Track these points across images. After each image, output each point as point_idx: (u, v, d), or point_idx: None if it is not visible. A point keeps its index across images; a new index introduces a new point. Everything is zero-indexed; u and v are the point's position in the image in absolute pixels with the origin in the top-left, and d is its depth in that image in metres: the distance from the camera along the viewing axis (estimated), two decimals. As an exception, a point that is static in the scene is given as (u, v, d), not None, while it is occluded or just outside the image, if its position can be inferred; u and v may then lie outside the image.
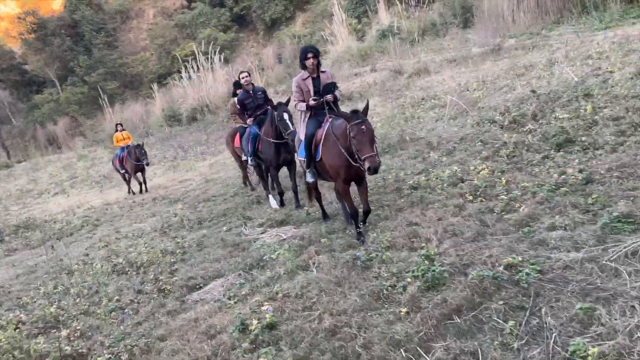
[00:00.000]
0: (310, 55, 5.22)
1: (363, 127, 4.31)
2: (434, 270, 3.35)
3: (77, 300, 4.77)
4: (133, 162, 11.11)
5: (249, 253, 4.98)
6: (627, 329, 2.42)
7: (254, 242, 5.38)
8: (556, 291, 2.91)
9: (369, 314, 3.16)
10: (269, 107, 6.78)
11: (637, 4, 16.70)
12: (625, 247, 3.16)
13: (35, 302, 5.06)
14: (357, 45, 24.96)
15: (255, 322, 3.29)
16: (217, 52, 22.40)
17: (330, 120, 4.98)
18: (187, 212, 7.78)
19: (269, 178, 7.33)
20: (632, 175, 4.25)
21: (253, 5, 32.31)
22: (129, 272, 5.31)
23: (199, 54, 21.55)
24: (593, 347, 2.33)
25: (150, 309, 4.19)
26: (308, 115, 5.27)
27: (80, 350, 3.57)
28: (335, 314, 3.23)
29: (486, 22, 19.91)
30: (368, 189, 5.09)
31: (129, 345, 3.49)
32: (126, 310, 4.28)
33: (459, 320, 2.87)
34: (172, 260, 5.34)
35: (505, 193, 4.67)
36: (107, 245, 6.93)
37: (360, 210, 4.84)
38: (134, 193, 11.58)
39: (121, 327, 3.98)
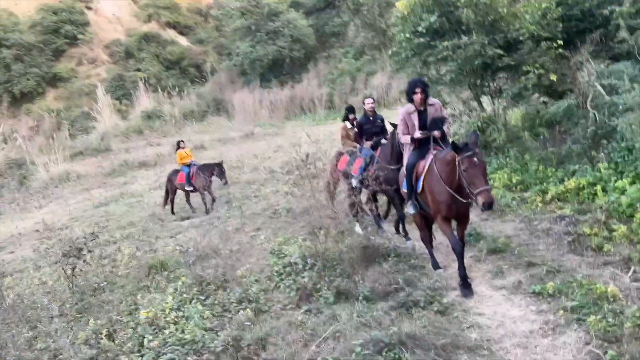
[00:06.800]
0: (418, 90, 5.29)
1: (475, 159, 4.29)
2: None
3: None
4: (207, 179, 12.11)
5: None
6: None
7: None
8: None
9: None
10: (388, 135, 7.22)
11: (332, 110, 27.45)
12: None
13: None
14: (124, 124, 30.11)
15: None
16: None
17: (434, 152, 5.09)
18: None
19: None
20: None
21: (-1, 78, 33.66)
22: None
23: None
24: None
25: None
26: (412, 147, 5.50)
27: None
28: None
29: (238, 113, 28.38)
30: (467, 225, 5.35)
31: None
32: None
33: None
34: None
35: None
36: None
37: (468, 255, 5.30)
38: (193, 211, 12.65)
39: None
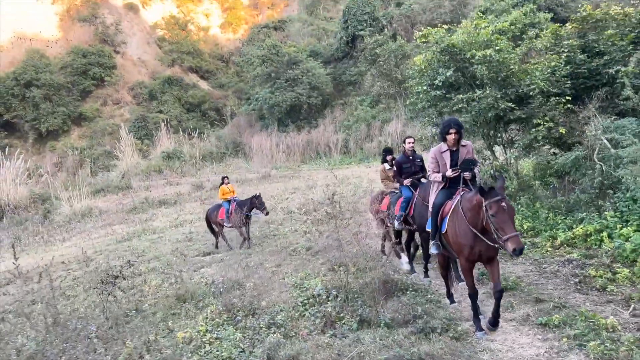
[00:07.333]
0: (452, 130, 5.33)
1: (503, 204, 4.30)
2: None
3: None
4: (243, 215, 12.19)
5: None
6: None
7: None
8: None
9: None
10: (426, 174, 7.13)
11: (347, 155, 28.22)
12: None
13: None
14: (145, 163, 31.15)
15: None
16: (14, 155, 25.62)
17: (462, 193, 5.13)
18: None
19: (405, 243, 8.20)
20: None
21: (27, 115, 35.18)
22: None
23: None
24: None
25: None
26: (441, 186, 5.54)
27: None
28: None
29: (255, 155, 29.30)
30: (499, 266, 5.05)
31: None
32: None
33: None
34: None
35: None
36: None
37: (481, 291, 5.18)
38: (230, 248, 12.58)
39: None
